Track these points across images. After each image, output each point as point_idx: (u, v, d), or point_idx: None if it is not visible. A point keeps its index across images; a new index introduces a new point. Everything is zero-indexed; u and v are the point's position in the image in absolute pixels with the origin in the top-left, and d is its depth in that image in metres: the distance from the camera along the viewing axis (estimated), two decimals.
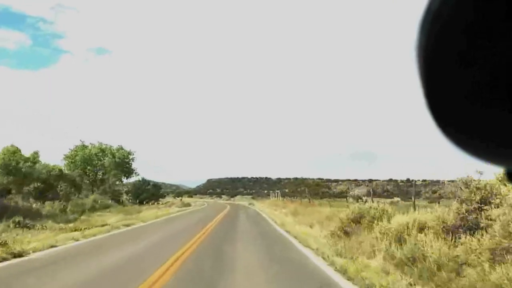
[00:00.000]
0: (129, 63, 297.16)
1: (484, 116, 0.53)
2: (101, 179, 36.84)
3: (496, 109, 0.51)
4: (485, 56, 0.48)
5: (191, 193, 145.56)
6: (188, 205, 48.27)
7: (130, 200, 39.05)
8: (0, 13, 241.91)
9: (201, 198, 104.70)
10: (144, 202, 40.72)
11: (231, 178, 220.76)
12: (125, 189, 41.04)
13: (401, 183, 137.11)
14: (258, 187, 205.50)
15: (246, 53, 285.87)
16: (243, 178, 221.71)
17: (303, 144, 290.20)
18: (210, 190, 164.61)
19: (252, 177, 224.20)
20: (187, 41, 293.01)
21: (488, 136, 0.55)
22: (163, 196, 53.09)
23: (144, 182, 44.60)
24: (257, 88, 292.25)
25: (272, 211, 31.61)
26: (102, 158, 37.88)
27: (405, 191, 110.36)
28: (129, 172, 40.74)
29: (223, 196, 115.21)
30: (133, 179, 42.20)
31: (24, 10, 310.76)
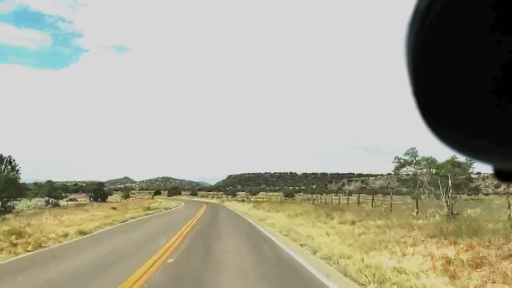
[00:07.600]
0: (144, 61, 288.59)
1: (471, 114, 0.53)
2: None
3: (484, 107, 0.51)
4: (471, 55, 0.49)
5: (206, 189, 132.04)
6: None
7: None
8: (20, 13, 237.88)
9: (202, 196, 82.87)
10: None
11: (253, 174, 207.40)
12: None
13: None
14: (283, 183, 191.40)
15: (263, 51, 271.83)
16: (266, 173, 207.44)
17: (320, 138, 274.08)
18: (230, 187, 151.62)
19: (275, 172, 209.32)
20: (196, 37, 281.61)
21: (475, 133, 0.54)
22: (21, 194, 29.32)
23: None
24: (279, 85, 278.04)
25: None
26: None
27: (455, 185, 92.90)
28: None
29: (238, 194, 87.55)
30: None
31: (42, 9, 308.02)
